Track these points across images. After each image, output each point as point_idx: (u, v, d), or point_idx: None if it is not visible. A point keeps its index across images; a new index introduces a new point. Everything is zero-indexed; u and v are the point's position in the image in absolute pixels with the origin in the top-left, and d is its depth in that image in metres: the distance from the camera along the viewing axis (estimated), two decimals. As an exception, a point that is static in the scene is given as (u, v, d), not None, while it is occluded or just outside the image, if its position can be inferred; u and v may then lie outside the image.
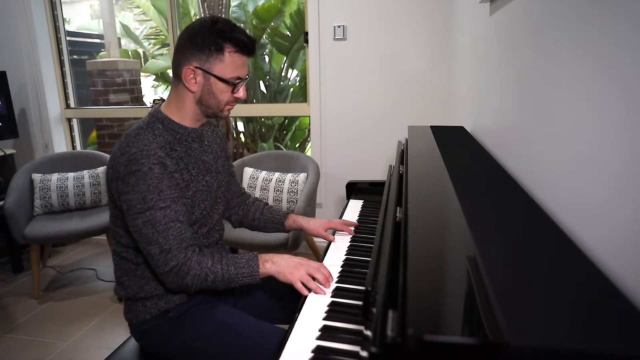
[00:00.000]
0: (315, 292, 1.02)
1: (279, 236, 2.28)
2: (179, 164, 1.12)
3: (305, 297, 1.01)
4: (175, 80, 1.13)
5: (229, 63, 1.09)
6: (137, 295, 1.14)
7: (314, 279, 1.05)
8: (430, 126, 1.89)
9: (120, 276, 1.18)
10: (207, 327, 1.11)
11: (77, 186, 2.71)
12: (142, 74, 4.96)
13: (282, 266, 1.07)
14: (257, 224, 1.42)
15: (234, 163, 2.70)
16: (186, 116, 1.15)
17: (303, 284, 1.03)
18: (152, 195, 1.02)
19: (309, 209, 2.41)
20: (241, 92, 1.14)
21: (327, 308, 0.96)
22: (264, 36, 4.64)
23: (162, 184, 1.04)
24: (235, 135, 5.06)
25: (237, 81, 1.11)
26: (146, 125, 1.11)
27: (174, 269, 1.03)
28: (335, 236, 1.36)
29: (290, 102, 4.84)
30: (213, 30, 1.07)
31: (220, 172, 1.27)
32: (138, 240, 1.06)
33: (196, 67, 1.08)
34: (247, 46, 1.10)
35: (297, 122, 4.93)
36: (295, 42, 4.44)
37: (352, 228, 1.40)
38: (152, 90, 5.94)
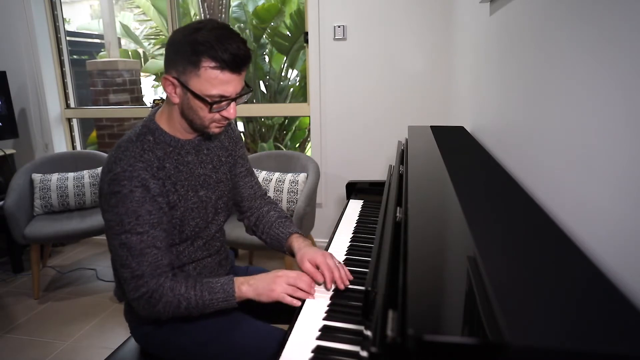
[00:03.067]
0: (293, 305, 0.99)
1: (279, 236, 2.27)
2: (166, 185, 1.06)
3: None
4: None
5: (207, 79, 0.97)
6: None
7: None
8: (430, 126, 1.89)
9: (119, 281, 1.17)
10: (207, 328, 1.11)
11: (77, 186, 2.71)
12: (142, 74, 4.96)
13: (259, 287, 1.02)
14: (265, 238, 1.31)
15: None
16: (177, 128, 1.09)
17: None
18: (129, 219, 0.98)
19: (309, 209, 2.41)
20: (231, 111, 1.04)
21: (327, 308, 0.96)
22: (264, 36, 4.64)
23: (142, 209, 0.99)
24: (235, 135, 5.05)
25: (219, 99, 1.00)
26: (136, 137, 1.06)
27: (145, 296, 0.99)
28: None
29: (290, 102, 4.85)
30: (191, 39, 0.96)
31: (221, 181, 1.20)
32: (114, 261, 1.03)
33: (174, 78, 1.00)
34: (227, 63, 0.96)
35: (297, 122, 4.93)
36: (295, 42, 4.44)
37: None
38: (152, 90, 5.94)
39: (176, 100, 1.03)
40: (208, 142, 1.18)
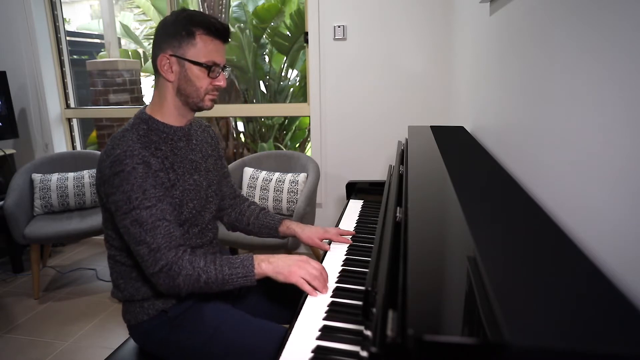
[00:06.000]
0: (311, 294, 1.00)
1: (279, 236, 2.27)
2: (165, 163, 1.11)
3: (306, 297, 1.00)
4: (156, 76, 1.14)
5: (202, 47, 1.09)
6: (134, 298, 1.14)
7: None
8: (430, 126, 1.89)
9: (116, 279, 1.18)
10: (206, 326, 1.11)
11: (77, 186, 2.71)
12: (142, 74, 4.96)
13: (280, 266, 1.04)
14: (251, 229, 1.40)
15: (234, 163, 2.70)
16: (170, 113, 1.15)
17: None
18: (136, 194, 1.01)
19: (309, 209, 2.41)
20: (221, 80, 1.14)
21: (327, 308, 0.96)
22: (264, 36, 4.64)
23: (147, 183, 1.03)
24: (235, 135, 5.05)
25: (213, 66, 1.11)
26: (131, 127, 1.12)
27: (164, 269, 1.00)
28: (331, 245, 1.32)
29: (290, 102, 4.84)
30: (182, 16, 1.09)
31: (210, 170, 1.27)
32: (128, 241, 1.04)
33: (170, 55, 1.09)
34: (218, 30, 1.10)
35: (297, 122, 4.93)
36: (295, 42, 4.44)
37: (350, 237, 1.34)
38: (152, 90, 5.93)
39: (172, 77, 1.11)
40: (196, 133, 1.26)
